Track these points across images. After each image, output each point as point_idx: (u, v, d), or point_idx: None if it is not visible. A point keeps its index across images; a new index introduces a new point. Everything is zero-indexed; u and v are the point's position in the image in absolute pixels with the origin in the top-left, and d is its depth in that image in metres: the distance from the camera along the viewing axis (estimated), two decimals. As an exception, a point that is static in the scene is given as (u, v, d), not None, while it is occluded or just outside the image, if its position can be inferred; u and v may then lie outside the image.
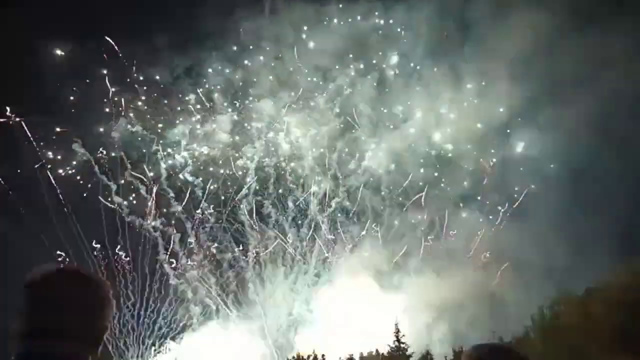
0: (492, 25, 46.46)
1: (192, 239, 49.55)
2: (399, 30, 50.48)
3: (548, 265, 41.74)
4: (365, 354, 42.34)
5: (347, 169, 52.07)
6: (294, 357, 43.93)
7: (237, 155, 51.21)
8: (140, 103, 50.06)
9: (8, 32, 41.88)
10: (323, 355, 43.47)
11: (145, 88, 50.14)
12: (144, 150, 49.62)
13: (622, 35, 41.63)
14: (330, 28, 50.96)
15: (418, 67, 51.28)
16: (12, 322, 2.89)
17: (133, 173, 48.76)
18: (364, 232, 51.61)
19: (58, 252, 45.87)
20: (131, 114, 49.73)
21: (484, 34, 46.84)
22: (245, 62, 51.71)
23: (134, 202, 48.95)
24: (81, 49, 46.79)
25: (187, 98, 51.21)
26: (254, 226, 50.70)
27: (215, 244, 49.93)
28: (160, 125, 50.16)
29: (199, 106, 51.57)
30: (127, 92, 49.63)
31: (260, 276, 50.08)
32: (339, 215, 51.96)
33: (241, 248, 50.48)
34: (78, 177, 47.63)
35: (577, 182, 43.79)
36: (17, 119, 45.54)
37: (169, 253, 48.96)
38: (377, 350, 41.54)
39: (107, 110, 49.15)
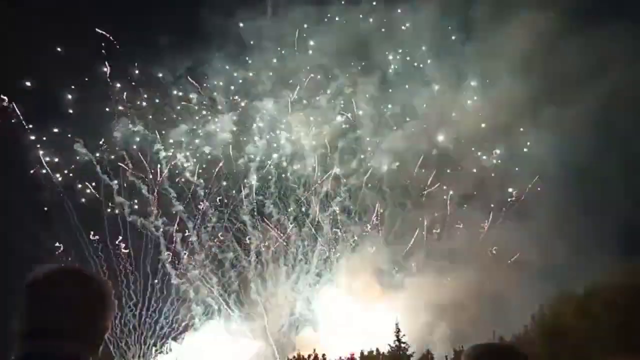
0: (494, 25, 46.48)
1: (193, 239, 49.62)
2: (401, 29, 50.39)
3: (548, 264, 41.75)
4: (365, 354, 42.30)
5: (349, 168, 52.09)
6: (294, 357, 43.91)
7: (238, 154, 51.28)
8: (141, 102, 50.16)
9: (8, 30, 42.05)
10: (324, 355, 43.46)
11: (146, 87, 50.28)
12: (146, 150, 49.75)
13: (625, 35, 41.59)
14: (332, 27, 50.96)
15: (420, 66, 51.28)
16: (13, 322, 2.90)
17: (134, 172, 48.89)
18: (365, 232, 51.64)
19: (57, 245, 46.13)
20: (132, 114, 49.87)
21: (487, 34, 46.86)
22: (247, 61, 51.81)
23: (136, 201, 49.05)
24: (82, 48, 46.85)
25: (188, 97, 51.32)
26: (256, 226, 50.79)
27: (217, 244, 49.99)
28: (161, 125, 50.24)
29: (200, 105, 51.69)
30: (128, 92, 49.77)
31: (262, 276, 50.14)
32: (341, 214, 51.99)
33: (243, 248, 50.58)
34: (79, 178, 47.74)
35: (578, 182, 43.77)
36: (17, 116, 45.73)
37: (171, 253, 49.07)
38: (377, 350, 41.51)
39: (108, 109, 49.29)
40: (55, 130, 47.14)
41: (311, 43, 51.49)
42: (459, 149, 51.20)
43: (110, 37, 48.17)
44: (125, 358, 45.77)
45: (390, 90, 52.37)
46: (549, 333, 33.16)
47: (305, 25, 51.08)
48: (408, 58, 51.66)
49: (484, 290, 43.02)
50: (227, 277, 49.64)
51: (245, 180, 51.01)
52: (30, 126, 46.36)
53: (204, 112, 51.59)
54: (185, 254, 49.27)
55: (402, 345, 40.31)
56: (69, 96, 47.07)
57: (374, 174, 51.85)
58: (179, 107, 50.83)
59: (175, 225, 49.57)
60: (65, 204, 47.18)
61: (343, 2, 51.58)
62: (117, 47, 48.42)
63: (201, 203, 50.34)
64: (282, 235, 51.11)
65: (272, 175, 51.46)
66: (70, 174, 47.52)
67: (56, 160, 47.11)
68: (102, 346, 3.06)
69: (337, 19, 51.34)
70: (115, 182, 48.39)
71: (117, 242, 48.03)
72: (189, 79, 51.13)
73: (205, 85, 51.61)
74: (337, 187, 51.92)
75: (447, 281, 45.96)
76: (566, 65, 43.89)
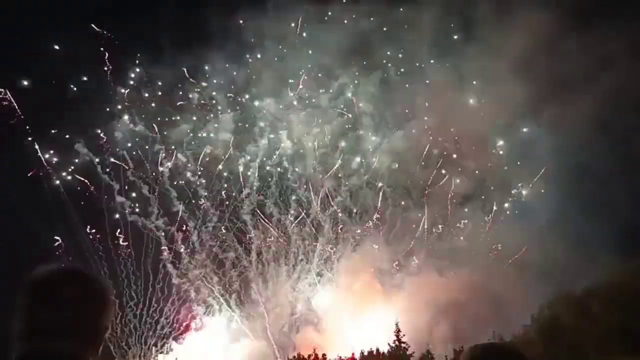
0: (496, 25, 46.41)
1: (194, 239, 49.62)
2: (402, 28, 50.34)
3: (548, 264, 41.73)
4: (365, 353, 42.32)
5: (350, 168, 52.08)
6: (294, 357, 43.89)
7: (239, 154, 51.28)
8: (142, 102, 50.17)
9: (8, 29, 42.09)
10: (324, 355, 43.44)
11: (147, 87, 50.29)
12: (147, 150, 49.75)
13: (626, 34, 41.57)
14: (334, 26, 50.91)
15: (422, 66, 51.23)
16: (14, 321, 2.91)
17: (135, 172, 48.90)
18: (366, 231, 51.63)
19: (57, 245, 46.13)
20: (133, 113, 49.88)
21: (488, 33, 46.78)
22: (248, 60, 51.80)
23: (137, 201, 49.07)
24: (82, 47, 46.84)
25: (189, 97, 51.33)
26: (257, 226, 50.79)
27: (218, 244, 50.00)
28: (162, 125, 50.24)
29: (201, 105, 51.70)
30: (129, 91, 49.78)
31: (263, 275, 50.14)
32: (341, 214, 51.99)
33: (244, 247, 50.58)
34: (80, 177, 47.74)
35: (578, 181, 43.73)
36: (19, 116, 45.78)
37: (172, 253, 49.07)
38: (377, 349, 41.50)
39: (109, 109, 49.32)
40: (56, 130, 47.23)
41: (312, 42, 51.47)
42: (459, 148, 51.23)
43: (111, 36, 48.27)
44: (125, 358, 45.76)
45: (391, 90, 52.36)
46: (548, 333, 33.17)
47: (307, 25, 51.12)
48: (409, 57, 51.65)
49: (484, 290, 42.98)
50: (227, 277, 49.68)
51: (246, 180, 51.04)
52: (29, 127, 46.47)
53: (205, 112, 51.67)
54: (186, 253, 49.34)
55: (402, 345, 40.31)
56: (70, 96, 47.14)
57: (375, 174, 51.92)
58: (179, 107, 50.88)
59: (176, 225, 49.66)
60: (66, 204, 47.26)
61: (344, 1, 51.62)
62: (118, 46, 48.51)
63: (202, 202, 50.39)
64: (282, 235, 51.19)
65: (272, 174, 51.49)
66: (69, 177, 47.57)
67: (57, 160, 47.15)
68: (103, 346, 3.07)
69: (338, 18, 51.32)
70: (116, 182, 48.47)
71: (118, 242, 48.10)
72: (190, 78, 51.27)
73: (206, 84, 51.72)
74: (338, 186, 51.98)
75: (448, 281, 45.96)
76: (567, 64, 43.87)
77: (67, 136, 47.43)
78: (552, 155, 47.65)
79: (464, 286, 44.24)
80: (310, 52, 51.55)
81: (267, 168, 51.48)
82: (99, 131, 48.70)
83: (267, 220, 50.98)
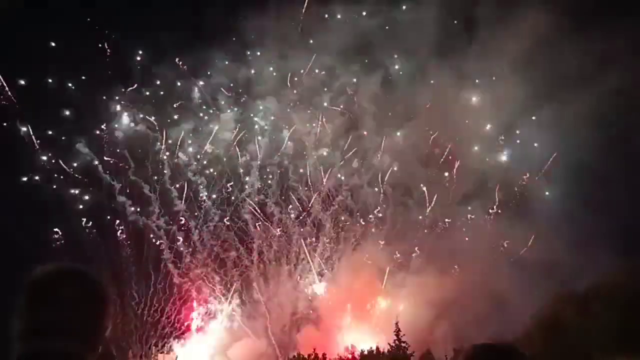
0: (497, 24, 46.36)
1: (195, 238, 49.63)
2: (404, 27, 50.23)
3: (549, 263, 41.69)
4: (365, 353, 42.32)
5: (351, 168, 52.07)
6: (294, 356, 43.87)
7: (240, 153, 51.30)
8: (143, 101, 50.19)
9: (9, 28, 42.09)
10: (324, 354, 43.43)
11: (148, 86, 50.29)
12: (148, 149, 49.78)
13: (627, 33, 41.48)
14: (335, 25, 50.88)
15: (423, 66, 51.10)
16: (14, 321, 2.91)
17: (136, 172, 48.91)
18: (367, 231, 51.62)
19: (58, 244, 46.20)
20: (134, 113, 49.88)
21: (490, 32, 46.70)
22: (249, 59, 51.79)
23: (137, 201, 49.09)
24: (84, 47, 46.83)
25: (190, 96, 51.34)
26: (258, 225, 50.79)
27: (219, 243, 50.01)
28: (163, 124, 50.26)
29: (202, 104, 51.71)
30: (130, 91, 49.80)
31: (264, 275, 50.16)
32: (342, 213, 51.99)
33: (245, 247, 50.58)
34: (81, 177, 47.78)
35: (579, 181, 43.70)
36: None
37: (173, 252, 49.08)
38: (377, 349, 41.51)
39: (110, 108, 49.30)
40: (57, 129, 47.24)
41: (314, 41, 51.45)
42: (461, 147, 51.14)
43: (112, 35, 48.29)
44: (126, 358, 45.78)
45: (392, 89, 52.32)
46: (549, 332, 33.16)
47: (308, 23, 51.06)
48: (411, 57, 51.57)
49: (484, 290, 42.96)
50: (229, 276, 49.69)
51: (247, 179, 51.05)
52: (28, 128, 46.50)
53: (206, 111, 51.67)
54: (187, 253, 49.36)
55: (402, 344, 40.30)
56: (71, 95, 47.13)
57: (376, 173, 51.90)
58: (180, 106, 50.87)
59: (177, 224, 49.68)
60: (67, 204, 47.29)
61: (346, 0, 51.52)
62: (119, 45, 48.51)
63: (203, 202, 50.41)
64: (284, 234, 51.20)
65: (273, 174, 51.49)
66: (67, 179, 47.65)
67: (57, 159, 47.19)
68: (103, 345, 3.07)
69: (339, 17, 51.28)
70: (117, 181, 48.48)
71: (119, 242, 48.13)
72: (191, 77, 51.30)
73: (207, 84, 51.71)
74: (339, 186, 51.97)
75: (448, 280, 45.95)
76: (568, 64, 43.78)
77: (64, 138, 47.54)
78: (554, 154, 47.78)
79: (464, 285, 44.25)
80: (311, 51, 51.60)
81: (268, 167, 51.51)
82: (98, 132, 48.85)
83: (268, 220, 51.05)
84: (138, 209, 48.94)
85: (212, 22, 47.98)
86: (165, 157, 49.90)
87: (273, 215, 51.05)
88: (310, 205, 51.45)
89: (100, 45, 48.17)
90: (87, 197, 47.88)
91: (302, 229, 51.14)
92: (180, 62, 50.24)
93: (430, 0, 48.17)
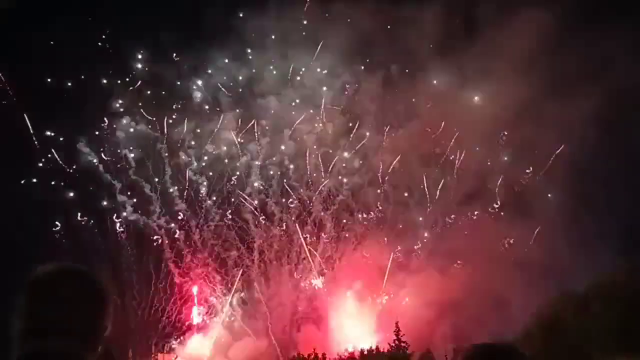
0: (498, 24, 46.35)
1: (196, 237, 49.64)
2: (406, 27, 50.18)
3: (549, 263, 41.71)
4: (365, 352, 42.32)
5: (352, 167, 52.06)
6: (294, 356, 43.84)
7: (241, 152, 51.31)
8: (144, 101, 50.19)
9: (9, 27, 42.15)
10: (324, 354, 43.39)
11: (149, 86, 50.28)
12: (149, 149, 49.81)
13: (628, 33, 41.46)
14: (337, 25, 50.84)
15: (424, 65, 51.06)
16: (14, 321, 2.91)
17: (137, 171, 48.96)
18: (368, 230, 51.63)
19: (58, 244, 46.23)
20: (135, 112, 49.90)
21: (492, 32, 46.70)
22: (251, 59, 51.77)
23: (138, 200, 49.10)
24: (84, 46, 46.86)
25: (192, 96, 51.34)
26: (258, 224, 50.78)
27: (220, 242, 50.02)
28: (164, 123, 50.29)
29: (203, 104, 51.73)
30: (131, 90, 49.81)
31: (265, 274, 50.17)
32: (343, 213, 51.97)
33: (246, 246, 50.58)
34: (82, 177, 47.80)
35: (579, 180, 43.71)
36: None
37: (173, 252, 49.09)
38: (377, 348, 41.50)
39: (111, 108, 49.34)
40: (57, 129, 47.26)
41: (315, 41, 51.44)
42: (462, 147, 51.15)
43: (114, 35, 48.31)
44: (126, 357, 45.78)
45: (393, 89, 52.29)
46: (549, 332, 33.16)
47: (309, 23, 51.05)
48: (412, 56, 51.54)
49: (484, 289, 42.99)
50: (230, 276, 49.73)
51: (248, 179, 51.05)
52: (29, 127, 46.57)
53: (207, 111, 51.68)
54: (188, 252, 49.38)
55: (402, 344, 40.29)
56: (71, 95, 47.16)
57: (377, 173, 51.90)
58: (182, 106, 50.88)
59: (178, 224, 49.69)
60: (68, 204, 47.32)
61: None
62: (120, 44, 48.50)
63: (204, 201, 50.44)
64: (284, 233, 51.18)
65: (274, 173, 51.48)
66: (68, 179, 47.71)
67: (58, 159, 47.24)
68: (103, 345, 3.07)
69: (341, 16, 51.24)
70: (118, 181, 48.53)
71: (120, 241, 48.17)
72: (192, 76, 51.31)
73: (208, 83, 51.71)
74: (340, 185, 51.96)
75: (449, 280, 45.96)
76: (569, 63, 43.78)
77: (67, 136, 47.56)
78: (554, 155, 47.83)
79: (464, 285, 44.28)
80: (312, 50, 51.59)
81: (269, 167, 51.49)
82: (99, 132, 48.88)
83: (268, 219, 51.05)
84: (139, 208, 49.02)
85: (212, 22, 48.07)
86: (166, 156, 49.91)
87: (274, 214, 51.09)
88: (311, 204, 51.49)
89: (101, 44, 48.24)
90: (87, 197, 47.95)
91: (303, 229, 51.16)
92: (181, 62, 50.31)
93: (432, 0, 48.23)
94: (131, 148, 49.32)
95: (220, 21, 48.32)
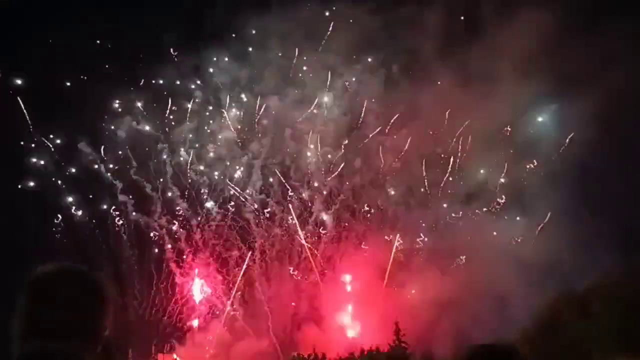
0: (500, 23, 46.29)
1: (197, 237, 49.63)
2: (408, 26, 50.12)
3: (549, 263, 41.64)
4: (365, 353, 42.25)
5: (353, 167, 51.99)
6: (294, 356, 43.76)
7: (242, 152, 51.29)
8: (145, 100, 50.20)
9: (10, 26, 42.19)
10: (323, 354, 43.32)
11: (151, 86, 50.31)
12: (150, 148, 49.82)
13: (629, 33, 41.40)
14: (338, 24, 50.80)
15: (426, 65, 50.99)
16: (14, 321, 2.91)
17: (138, 171, 48.97)
18: (369, 230, 51.59)
19: (59, 244, 46.28)
20: (136, 112, 49.93)
21: (493, 31, 46.64)
22: (252, 59, 51.71)
23: (140, 200, 49.11)
24: (85, 46, 46.89)
25: (193, 95, 51.34)
26: (259, 224, 50.76)
27: (221, 242, 50.03)
28: (165, 123, 50.30)
29: (204, 103, 51.73)
30: (132, 90, 49.81)
31: (266, 274, 50.15)
32: (344, 213, 51.94)
33: (247, 246, 50.56)
34: (83, 176, 47.84)
35: (580, 180, 43.64)
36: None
37: (174, 251, 49.11)
38: (377, 348, 41.44)
39: (112, 108, 49.37)
40: (58, 129, 47.31)
41: (316, 40, 51.41)
42: (463, 147, 51.12)
43: (115, 35, 48.31)
44: (126, 357, 45.75)
45: (395, 88, 52.18)
46: (549, 332, 33.13)
47: (311, 22, 50.96)
48: (414, 56, 51.48)
49: (484, 289, 42.95)
50: (231, 276, 49.72)
51: (249, 178, 51.00)
52: (30, 127, 46.63)
53: (209, 111, 51.66)
54: (189, 252, 49.39)
55: (402, 344, 40.22)
56: (72, 95, 47.19)
57: (378, 173, 51.83)
58: (183, 105, 50.87)
59: (179, 224, 49.68)
60: (69, 203, 47.36)
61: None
62: (121, 44, 48.49)
63: (205, 201, 50.44)
64: (285, 233, 51.15)
65: (276, 173, 51.43)
66: (69, 179, 47.76)
67: (59, 159, 47.30)
68: (103, 345, 3.08)
69: (342, 16, 51.17)
70: (119, 181, 48.53)
71: (121, 241, 48.19)
72: (194, 76, 51.30)
73: (209, 83, 51.72)
74: (341, 185, 51.90)
75: (449, 280, 45.95)
76: (571, 63, 43.71)
77: (68, 136, 47.61)
78: (554, 153, 47.77)
79: (465, 285, 44.26)
80: (314, 49, 51.54)
81: (270, 166, 51.46)
82: (99, 132, 48.91)
83: (270, 219, 51.04)
84: (140, 208, 49.05)
85: (213, 21, 48.08)
86: (167, 156, 49.92)
87: (275, 214, 51.06)
88: (312, 204, 51.46)
89: (101, 44, 48.23)
90: (88, 197, 48.00)
91: (304, 228, 51.12)
92: (182, 61, 50.29)
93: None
94: (132, 148, 49.32)
95: (221, 20, 48.39)
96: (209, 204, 50.31)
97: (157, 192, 49.24)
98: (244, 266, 49.61)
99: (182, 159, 50.26)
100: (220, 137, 51.25)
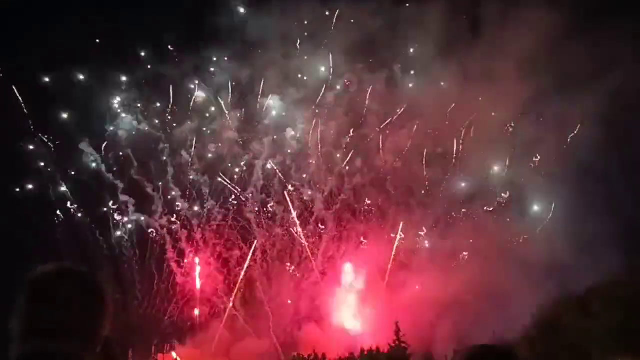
0: (501, 23, 46.26)
1: (198, 237, 49.64)
2: (409, 26, 50.10)
3: (549, 264, 41.61)
4: (365, 353, 42.23)
5: (354, 167, 51.97)
6: (294, 356, 43.73)
7: (244, 152, 51.30)
8: (146, 100, 50.24)
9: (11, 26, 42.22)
10: (323, 354, 43.28)
11: (152, 85, 50.35)
12: (151, 148, 49.85)
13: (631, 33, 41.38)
14: (340, 24, 50.81)
15: (427, 65, 50.92)
16: (13, 322, 2.91)
17: (139, 171, 49.00)
18: (369, 230, 51.56)
19: (59, 244, 46.26)
20: (137, 112, 49.96)
21: (495, 31, 46.62)
22: (253, 58, 51.70)
23: (140, 200, 49.13)
24: (86, 45, 46.91)
25: (194, 96, 51.33)
26: (260, 224, 50.77)
27: (222, 242, 50.03)
28: (166, 123, 50.31)
29: (206, 103, 51.70)
30: (133, 90, 49.86)
31: (267, 274, 50.16)
32: (345, 213, 51.92)
33: (248, 246, 50.56)
34: (84, 176, 47.87)
35: (580, 181, 43.59)
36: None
37: (175, 251, 49.13)
38: (377, 349, 41.43)
39: (113, 108, 49.38)
40: (59, 129, 47.36)
41: (318, 40, 51.39)
42: (463, 146, 51.12)
43: (115, 34, 48.30)
44: (126, 357, 45.75)
45: (397, 88, 52.22)
46: (549, 332, 33.12)
47: (312, 22, 50.96)
48: (416, 56, 51.45)
49: (485, 290, 42.94)
50: (232, 275, 49.72)
51: (250, 178, 51.03)
52: (30, 127, 46.66)
53: (210, 111, 51.67)
54: (190, 252, 49.40)
55: (402, 344, 40.19)
56: (73, 94, 47.23)
57: (379, 173, 51.82)
58: (184, 105, 50.90)
59: (180, 224, 49.70)
60: (69, 203, 47.41)
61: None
62: (122, 44, 48.53)
63: (206, 201, 50.44)
64: (286, 233, 51.16)
65: (277, 173, 51.44)
66: (70, 179, 47.78)
67: (60, 159, 47.33)
68: (102, 345, 3.08)
69: (344, 15, 51.15)
70: (120, 180, 48.56)
71: (121, 242, 48.21)
72: (195, 76, 51.29)
73: (210, 82, 51.74)
74: (342, 185, 51.87)
75: (450, 279, 45.92)
76: (572, 63, 43.68)
77: (69, 136, 47.67)
78: (556, 154, 47.70)
79: (465, 285, 44.25)
80: (315, 49, 51.53)
81: (271, 166, 51.42)
82: (101, 132, 48.94)
83: (271, 219, 51.04)
84: (141, 208, 49.07)
85: (215, 21, 48.06)
86: (168, 156, 49.94)
87: (276, 214, 51.06)
88: (313, 204, 51.45)
89: (102, 43, 48.24)
90: (89, 197, 48.01)
91: (305, 228, 51.12)
92: (183, 61, 50.28)
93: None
94: (133, 148, 49.37)
95: (222, 20, 48.37)
96: (210, 204, 50.33)
97: (158, 192, 49.29)
98: (245, 266, 49.68)
99: (183, 158, 50.28)
100: (221, 136, 51.26)
